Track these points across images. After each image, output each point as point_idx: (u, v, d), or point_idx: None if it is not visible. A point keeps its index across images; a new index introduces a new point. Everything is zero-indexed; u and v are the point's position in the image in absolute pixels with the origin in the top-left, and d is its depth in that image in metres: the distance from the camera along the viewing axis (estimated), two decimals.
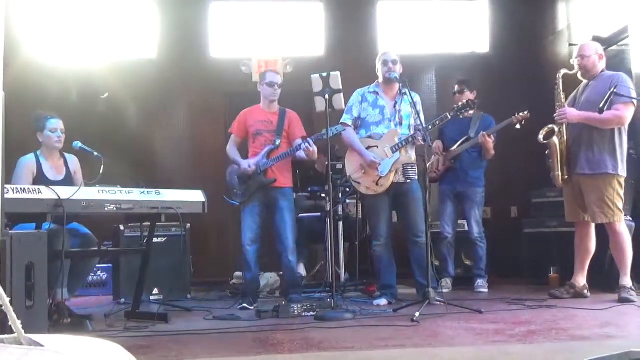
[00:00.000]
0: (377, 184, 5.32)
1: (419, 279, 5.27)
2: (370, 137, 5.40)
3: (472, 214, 6.25)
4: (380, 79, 5.46)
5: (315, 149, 5.42)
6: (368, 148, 5.36)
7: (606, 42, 6.26)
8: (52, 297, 4.39)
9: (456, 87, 6.35)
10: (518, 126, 5.92)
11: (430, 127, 5.16)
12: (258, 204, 5.46)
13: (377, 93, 5.47)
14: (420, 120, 5.11)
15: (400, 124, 5.35)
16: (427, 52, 8.38)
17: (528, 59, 8.01)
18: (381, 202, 5.39)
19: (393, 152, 5.26)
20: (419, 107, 5.31)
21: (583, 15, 7.21)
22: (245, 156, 5.62)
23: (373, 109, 5.44)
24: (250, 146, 5.62)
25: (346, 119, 5.47)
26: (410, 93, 5.19)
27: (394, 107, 5.40)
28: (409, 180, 5.29)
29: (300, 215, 6.85)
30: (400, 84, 5.28)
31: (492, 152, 6.15)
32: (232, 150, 5.65)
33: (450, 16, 8.67)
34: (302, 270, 6.58)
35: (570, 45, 7.21)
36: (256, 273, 5.57)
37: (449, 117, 5.24)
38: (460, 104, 5.30)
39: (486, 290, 6.09)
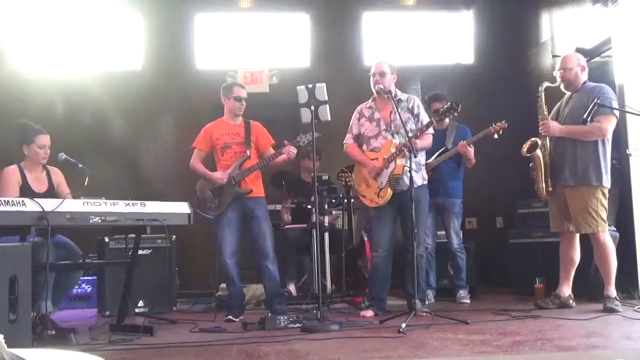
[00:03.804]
0: (378, 196, 5.34)
1: (410, 289, 5.25)
2: (371, 150, 5.46)
3: (451, 225, 6.29)
4: (374, 92, 5.50)
5: (295, 150, 5.46)
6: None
7: (589, 54, 6.32)
8: (36, 310, 4.35)
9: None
10: (496, 136, 5.93)
11: (418, 134, 5.19)
12: (234, 215, 5.45)
13: (374, 107, 5.51)
14: (421, 123, 5.27)
15: (397, 132, 5.37)
16: (412, 63, 8.40)
17: (513, 70, 8.07)
18: (384, 214, 5.41)
19: (389, 163, 5.28)
20: (417, 110, 5.42)
21: (566, 27, 7.28)
22: (212, 170, 5.62)
23: (370, 123, 5.49)
24: (218, 160, 5.61)
25: (347, 139, 5.60)
26: (396, 106, 5.21)
27: (389, 116, 5.42)
28: (399, 190, 5.28)
29: (286, 226, 6.85)
30: (387, 95, 5.29)
31: (474, 160, 6.19)
32: (198, 165, 5.62)
33: (435, 27, 8.73)
34: (292, 289, 6.57)
35: (554, 56, 7.27)
36: (240, 286, 5.56)
37: (434, 122, 5.27)
38: (445, 107, 5.28)
39: (468, 301, 6.13)
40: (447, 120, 6.29)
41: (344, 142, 5.61)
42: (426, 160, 6.19)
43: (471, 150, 6.12)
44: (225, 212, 5.44)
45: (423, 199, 5.38)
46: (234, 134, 5.58)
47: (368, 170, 5.39)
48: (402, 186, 5.24)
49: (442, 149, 6.25)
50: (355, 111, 5.64)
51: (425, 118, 5.44)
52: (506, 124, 5.90)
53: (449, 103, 5.24)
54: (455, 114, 5.25)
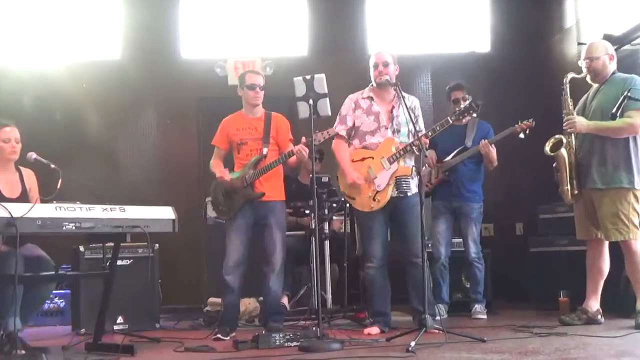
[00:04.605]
0: (373, 200, 5.30)
1: (416, 305, 5.24)
2: (365, 147, 5.40)
3: (469, 232, 6.26)
4: (373, 83, 5.47)
5: (307, 151, 5.31)
6: (363, 159, 5.36)
7: (618, 41, 6.31)
8: (3, 327, 4.34)
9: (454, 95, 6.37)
10: (522, 135, 5.93)
11: (430, 133, 5.17)
12: (244, 221, 5.40)
13: (372, 98, 5.45)
14: (418, 127, 5.19)
15: (398, 131, 5.35)
16: (422, 52, 8.42)
17: (533, 60, 8.07)
18: (376, 220, 5.36)
19: (390, 164, 5.25)
20: (417, 112, 5.37)
21: (593, 12, 7.28)
22: (230, 169, 5.58)
23: (367, 116, 5.42)
24: (235, 158, 5.58)
25: (340, 129, 5.46)
26: (403, 99, 5.18)
27: (391, 112, 5.39)
28: (403, 195, 5.27)
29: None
30: (394, 88, 5.27)
31: (496, 162, 6.17)
32: (216, 165, 5.57)
33: (447, 12, 8.72)
34: (285, 301, 6.54)
35: (579, 44, 7.27)
36: (237, 298, 5.51)
37: (451, 122, 5.23)
38: (462, 106, 5.24)
39: (485, 316, 6.12)
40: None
41: (335, 129, 5.42)
42: (443, 159, 6.20)
43: (493, 151, 6.10)
44: (235, 216, 5.41)
45: (417, 204, 5.34)
46: (251, 129, 5.51)
47: (348, 181, 5.32)
48: (407, 190, 5.25)
49: (460, 148, 6.23)
50: (349, 100, 5.54)
51: (421, 123, 5.41)
52: (533, 123, 5.88)
53: (468, 102, 5.19)
54: (474, 115, 5.23)
